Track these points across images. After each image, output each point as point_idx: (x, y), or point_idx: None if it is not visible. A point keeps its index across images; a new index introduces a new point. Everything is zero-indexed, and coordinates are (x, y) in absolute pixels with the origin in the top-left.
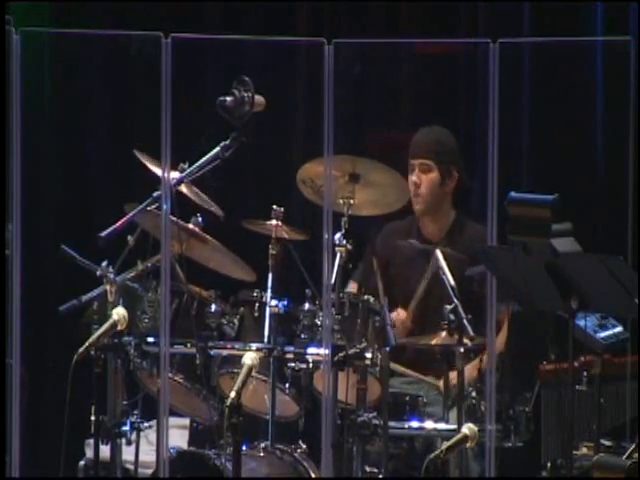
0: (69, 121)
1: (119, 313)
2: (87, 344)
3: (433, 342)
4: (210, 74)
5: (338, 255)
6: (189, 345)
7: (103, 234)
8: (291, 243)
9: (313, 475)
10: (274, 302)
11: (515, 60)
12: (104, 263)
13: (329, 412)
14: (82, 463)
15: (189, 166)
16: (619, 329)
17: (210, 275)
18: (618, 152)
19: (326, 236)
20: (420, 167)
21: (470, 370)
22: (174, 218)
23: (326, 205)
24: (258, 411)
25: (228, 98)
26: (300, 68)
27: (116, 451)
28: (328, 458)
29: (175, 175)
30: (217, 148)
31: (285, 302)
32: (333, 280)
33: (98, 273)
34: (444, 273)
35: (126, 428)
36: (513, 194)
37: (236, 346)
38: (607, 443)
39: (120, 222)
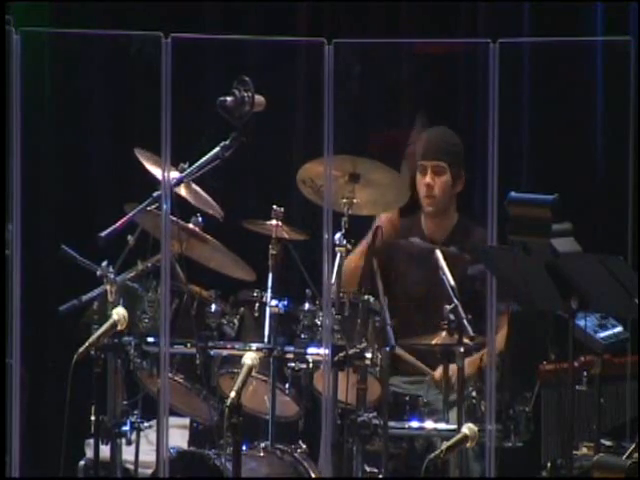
0: (69, 121)
1: (119, 313)
2: (87, 344)
3: (433, 342)
4: (210, 74)
5: (338, 255)
6: (189, 345)
7: (103, 234)
8: (291, 243)
9: (313, 475)
10: (274, 302)
11: (515, 60)
12: (104, 263)
13: (329, 412)
14: (82, 463)
15: (189, 166)
16: (619, 329)
17: (210, 275)
18: (618, 152)
19: (326, 236)
20: (433, 169)
21: (469, 365)
22: (174, 218)
23: (326, 205)
24: (258, 411)
25: (228, 98)
26: (300, 68)
27: (116, 451)
28: (328, 458)
29: (175, 175)
30: (217, 148)
31: (285, 302)
32: (333, 280)
33: (98, 273)
34: (444, 273)
35: (126, 428)
36: (513, 194)
37: (236, 346)
38: (607, 443)
39: (120, 222)
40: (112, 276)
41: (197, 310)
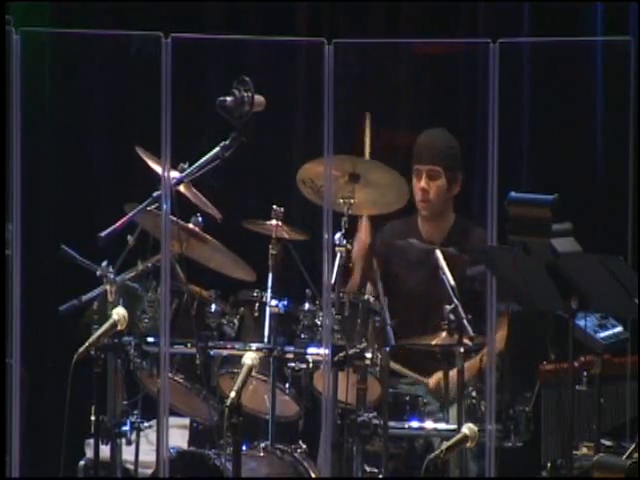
0: (69, 121)
1: (119, 313)
2: (87, 344)
3: (433, 342)
4: (210, 74)
5: (338, 255)
6: (189, 345)
7: (103, 234)
8: (291, 243)
9: (313, 475)
10: (274, 302)
11: (515, 60)
12: (104, 263)
13: (329, 412)
14: (82, 463)
15: (189, 166)
16: (619, 329)
17: (210, 275)
18: (618, 152)
19: (326, 236)
20: (428, 173)
21: (468, 369)
22: (174, 218)
23: (326, 205)
24: (258, 411)
25: (228, 98)
26: (300, 68)
27: (116, 451)
28: (328, 458)
29: (175, 175)
30: (217, 148)
31: (285, 302)
32: (333, 280)
33: (98, 273)
34: (444, 273)
35: (126, 428)
36: (513, 194)
37: (236, 346)
38: (607, 443)
39: (120, 222)
40: (112, 276)
41: (197, 310)
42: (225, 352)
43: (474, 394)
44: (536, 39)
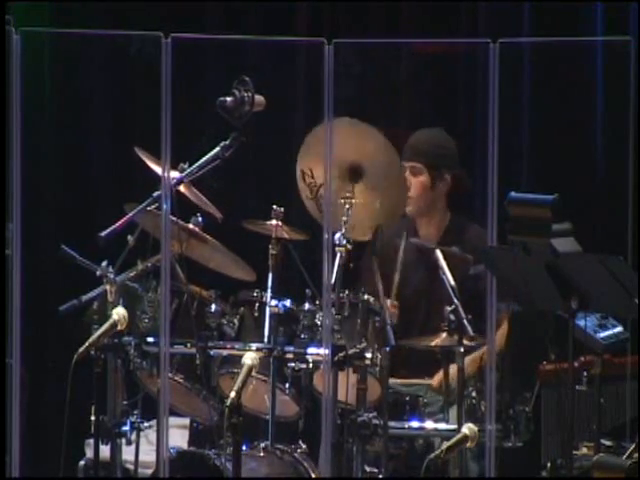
0: (69, 121)
1: (119, 313)
2: (87, 344)
3: (433, 343)
4: (210, 74)
5: (338, 255)
6: (189, 345)
7: (103, 234)
8: (291, 243)
9: (313, 475)
10: (274, 302)
11: (515, 60)
12: (104, 263)
13: (329, 412)
14: (82, 463)
15: (189, 166)
16: (619, 329)
17: (210, 275)
18: (618, 152)
19: (326, 236)
20: (410, 169)
21: (470, 363)
22: (174, 218)
23: (326, 205)
24: (258, 411)
25: (228, 98)
26: (300, 68)
27: (116, 451)
28: (328, 458)
29: (175, 175)
30: (217, 148)
31: (285, 302)
32: (333, 280)
33: (98, 273)
34: (444, 273)
35: (126, 428)
36: (513, 194)
37: (236, 346)
38: (607, 443)
39: (120, 222)
40: (112, 276)
41: (197, 310)
42: (225, 352)
43: (474, 394)
44: (536, 39)
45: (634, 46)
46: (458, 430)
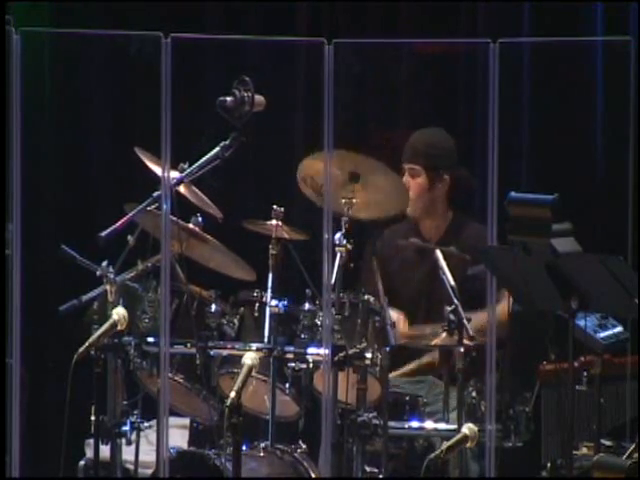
0: (69, 121)
1: (119, 313)
2: (87, 344)
3: (433, 343)
4: (210, 74)
5: (338, 255)
6: (189, 345)
7: (103, 234)
8: (291, 243)
9: (313, 475)
10: (274, 302)
11: (515, 60)
12: (104, 263)
13: (329, 412)
14: (82, 463)
15: (189, 166)
16: (619, 329)
17: (210, 275)
18: (618, 152)
19: (326, 236)
20: (409, 171)
21: (500, 312)
22: (174, 218)
23: (326, 205)
24: (258, 411)
25: (228, 98)
26: (300, 68)
27: (116, 451)
28: (328, 458)
29: (175, 175)
30: (217, 148)
31: (285, 302)
32: (333, 280)
33: (98, 273)
34: (444, 273)
35: (126, 428)
36: (513, 194)
37: (236, 346)
38: (607, 443)
39: (120, 222)
40: (112, 276)
41: (197, 310)
42: (225, 352)
43: (474, 394)
44: (536, 39)
45: (634, 46)
46: (458, 430)
